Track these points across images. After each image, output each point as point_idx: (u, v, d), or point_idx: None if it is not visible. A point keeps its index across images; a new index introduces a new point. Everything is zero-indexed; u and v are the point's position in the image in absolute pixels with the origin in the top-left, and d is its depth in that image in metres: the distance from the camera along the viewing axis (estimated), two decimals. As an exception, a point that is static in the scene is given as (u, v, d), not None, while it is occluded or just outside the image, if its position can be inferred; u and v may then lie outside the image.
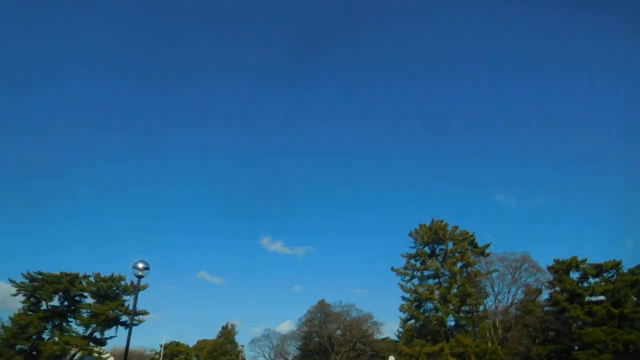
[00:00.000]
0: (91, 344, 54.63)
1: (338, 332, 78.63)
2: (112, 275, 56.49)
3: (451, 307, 50.83)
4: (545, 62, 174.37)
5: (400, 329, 59.79)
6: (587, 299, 47.83)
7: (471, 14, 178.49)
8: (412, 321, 54.88)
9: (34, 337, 52.03)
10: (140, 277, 16.59)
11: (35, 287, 53.01)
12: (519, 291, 54.26)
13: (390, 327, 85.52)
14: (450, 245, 55.18)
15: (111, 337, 56.36)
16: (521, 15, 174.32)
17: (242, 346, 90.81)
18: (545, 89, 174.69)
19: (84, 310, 55.29)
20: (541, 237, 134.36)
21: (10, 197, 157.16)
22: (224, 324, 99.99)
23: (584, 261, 49.87)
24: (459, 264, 53.91)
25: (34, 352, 51.73)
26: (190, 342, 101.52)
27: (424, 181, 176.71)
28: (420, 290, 53.94)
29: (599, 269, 48.54)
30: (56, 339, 52.42)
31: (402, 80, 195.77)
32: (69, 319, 55.56)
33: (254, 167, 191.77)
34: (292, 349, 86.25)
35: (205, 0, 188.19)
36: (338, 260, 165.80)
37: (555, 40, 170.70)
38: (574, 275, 50.30)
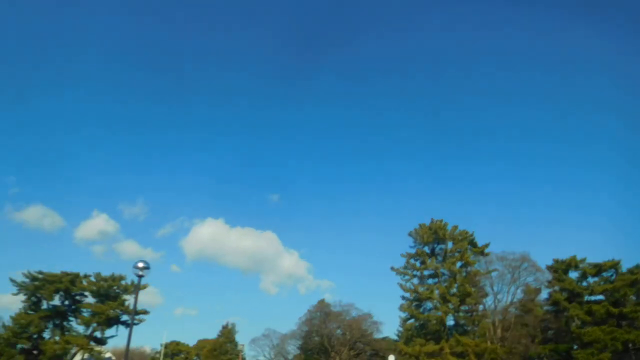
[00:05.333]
0: (92, 343, 54.88)
1: (338, 331, 78.59)
2: (113, 274, 56.83)
3: (451, 306, 50.94)
4: (545, 57, 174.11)
5: (400, 329, 59.98)
6: (586, 298, 47.98)
7: (472, 11, 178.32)
8: (412, 320, 55.00)
9: (35, 336, 52.26)
10: (140, 276, 16.77)
11: (36, 287, 53.24)
12: (519, 290, 54.31)
13: (390, 327, 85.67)
14: (449, 244, 55.30)
15: (112, 337, 56.89)
16: (520, 12, 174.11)
17: (242, 345, 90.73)
18: (545, 84, 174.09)
19: (84, 310, 55.54)
20: (541, 237, 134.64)
21: (10, 194, 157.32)
22: (224, 323, 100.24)
23: (583, 261, 49.99)
24: (459, 264, 54.03)
25: (35, 351, 51.92)
26: (191, 341, 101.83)
27: (425, 180, 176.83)
28: (420, 289, 54.06)
29: (598, 269, 48.66)
30: (57, 338, 52.64)
31: (402, 79, 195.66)
32: (70, 318, 55.91)
33: (252, 166, 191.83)
34: (292, 349, 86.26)
35: None
36: (338, 259, 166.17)
37: (551, 35, 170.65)
38: (573, 275, 50.48)
